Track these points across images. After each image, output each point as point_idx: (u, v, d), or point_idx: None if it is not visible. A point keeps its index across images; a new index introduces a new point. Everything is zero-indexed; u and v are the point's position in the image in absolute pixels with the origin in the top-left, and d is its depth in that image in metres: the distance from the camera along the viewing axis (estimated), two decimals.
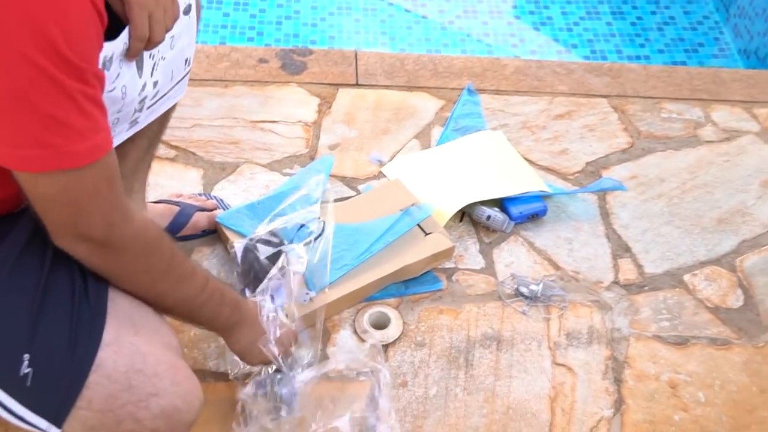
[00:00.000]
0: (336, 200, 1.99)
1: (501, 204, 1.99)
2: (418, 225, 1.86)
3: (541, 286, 1.82)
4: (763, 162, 2.25)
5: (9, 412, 1.21)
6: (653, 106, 2.40)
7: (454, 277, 1.86)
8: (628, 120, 2.34)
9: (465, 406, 1.62)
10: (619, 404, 1.64)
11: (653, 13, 3.86)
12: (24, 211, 1.27)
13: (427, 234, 1.85)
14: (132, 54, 1.26)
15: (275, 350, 1.47)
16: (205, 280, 1.34)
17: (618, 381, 1.68)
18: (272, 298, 1.57)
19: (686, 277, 1.92)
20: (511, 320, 1.78)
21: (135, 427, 1.25)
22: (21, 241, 1.24)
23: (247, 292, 1.67)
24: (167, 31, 1.29)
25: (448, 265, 1.88)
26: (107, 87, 1.25)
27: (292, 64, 2.44)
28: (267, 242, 1.74)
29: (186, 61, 1.52)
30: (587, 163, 2.19)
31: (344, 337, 1.72)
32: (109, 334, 1.22)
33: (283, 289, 1.61)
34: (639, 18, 3.81)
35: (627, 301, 1.85)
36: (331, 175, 2.06)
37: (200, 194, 1.96)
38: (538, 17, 3.76)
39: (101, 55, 1.17)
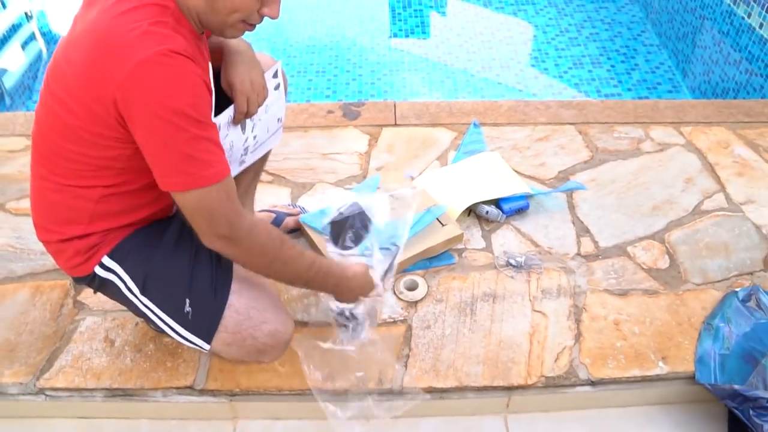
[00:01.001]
0: None
1: (496, 202, 2.06)
2: (437, 219, 1.93)
3: (524, 258, 1.89)
4: (686, 165, 2.27)
5: (178, 335, 1.46)
6: (608, 129, 2.44)
7: (463, 255, 1.93)
8: (589, 140, 2.39)
9: (470, 340, 1.70)
10: (578, 337, 1.71)
11: (623, 62, 3.90)
12: (176, 213, 1.47)
13: (443, 225, 1.93)
14: (236, 122, 1.45)
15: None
16: (312, 260, 1.42)
17: (578, 321, 1.75)
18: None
19: (629, 249, 1.96)
20: (503, 282, 1.85)
21: (254, 342, 1.49)
22: (177, 230, 1.45)
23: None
24: (260, 106, 1.47)
25: (459, 246, 1.95)
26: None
27: (350, 113, 2.52)
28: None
29: (278, 119, 1.66)
30: (559, 172, 2.24)
31: (387, 296, 1.81)
32: (234, 285, 1.45)
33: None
34: (612, 66, 3.87)
35: (585, 266, 1.90)
36: (378, 188, 2.16)
37: (289, 204, 2.08)
38: (538, 69, 3.83)
39: (217, 123, 1.35)
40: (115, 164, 1.29)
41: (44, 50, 3.92)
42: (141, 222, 1.45)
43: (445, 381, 1.62)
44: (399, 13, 4.35)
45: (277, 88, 1.59)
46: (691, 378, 1.63)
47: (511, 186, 2.09)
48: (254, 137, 1.58)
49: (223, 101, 1.45)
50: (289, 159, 2.32)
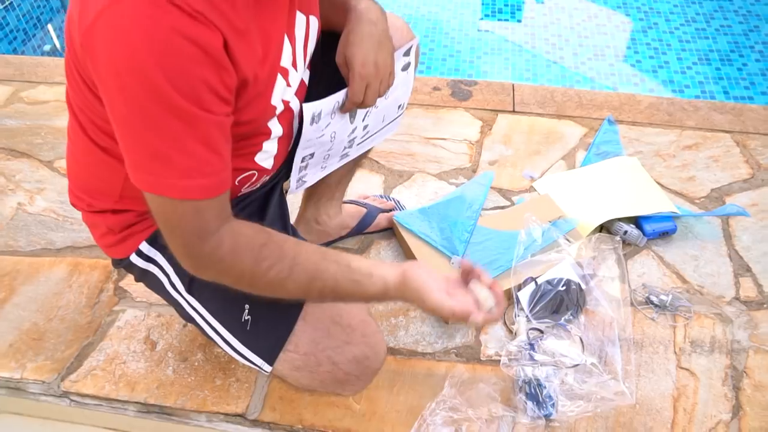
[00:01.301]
0: (493, 208, 1.79)
1: (636, 221, 1.74)
2: (565, 236, 1.61)
3: (670, 296, 1.54)
4: None
5: (233, 349, 1.19)
6: None
7: (592, 283, 1.57)
8: (749, 153, 2.00)
9: None
10: (737, 410, 1.37)
11: (758, 60, 3.48)
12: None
13: (570, 243, 1.60)
14: (345, 110, 1.12)
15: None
16: (312, 274, 1.02)
17: (736, 388, 1.41)
18: None
19: None
20: (641, 325, 1.52)
21: (332, 369, 1.17)
22: None
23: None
24: (381, 96, 1.14)
25: (589, 271, 1.60)
26: (315, 134, 1.11)
27: (460, 92, 2.23)
28: None
29: (400, 106, 1.34)
30: (712, 190, 1.88)
31: (496, 328, 1.51)
32: None
33: None
34: (744, 64, 3.45)
35: (747, 316, 1.55)
36: (491, 187, 1.86)
37: (381, 196, 1.80)
38: (656, 61, 3.47)
39: (311, 111, 1.03)
40: None
41: None
42: None
43: None
44: None
45: (406, 68, 1.27)
46: None
47: (654, 202, 1.76)
48: (365, 127, 1.27)
49: (330, 76, 1.13)
50: (386, 140, 2.00)
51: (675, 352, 1.47)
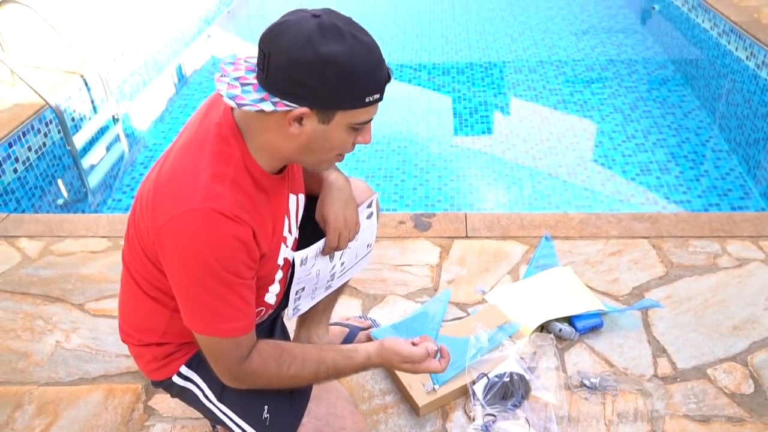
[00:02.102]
0: (453, 319, 2.09)
1: (569, 320, 2.03)
2: (510, 337, 1.93)
3: (599, 379, 1.85)
4: (767, 283, 2.22)
5: None
6: (682, 243, 2.41)
7: (535, 373, 1.87)
8: (663, 254, 2.36)
9: None
10: None
11: (691, 168, 3.84)
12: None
13: (514, 342, 1.93)
14: (324, 254, 1.50)
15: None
16: (318, 362, 1.34)
17: None
18: None
19: (709, 371, 1.89)
20: (577, 404, 1.81)
21: None
22: None
23: None
24: (350, 241, 1.52)
25: (532, 365, 1.90)
26: (305, 273, 1.48)
27: (421, 224, 2.55)
28: None
29: (368, 245, 1.70)
30: (633, 288, 2.21)
31: (458, 416, 1.79)
32: (314, 391, 1.46)
33: None
34: (681, 172, 3.80)
35: (663, 389, 1.84)
36: (450, 302, 2.16)
37: (360, 316, 2.10)
38: (604, 176, 3.79)
39: (300, 257, 1.40)
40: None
41: (126, 151, 4.15)
42: None
43: None
44: (465, 119, 4.44)
45: (369, 217, 1.64)
46: None
47: (584, 303, 2.07)
48: (342, 263, 1.62)
49: (312, 229, 1.51)
50: (362, 271, 2.28)
51: (605, 424, 1.75)
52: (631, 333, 2.04)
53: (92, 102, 4.04)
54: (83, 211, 3.55)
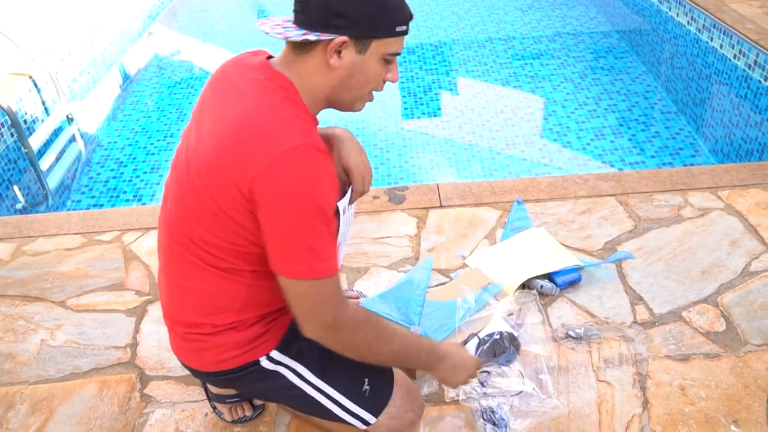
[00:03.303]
0: (436, 285, 2.15)
1: (549, 276, 2.11)
2: (495, 297, 2.01)
3: (583, 329, 1.94)
4: (729, 229, 2.34)
5: (346, 411, 1.51)
6: (647, 198, 2.52)
7: (522, 330, 1.95)
8: (631, 210, 2.46)
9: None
10: (645, 404, 1.73)
11: (643, 130, 4.00)
12: None
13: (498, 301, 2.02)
14: (352, 201, 1.55)
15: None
16: (404, 336, 1.47)
17: (643, 388, 1.78)
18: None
19: (684, 314, 2.00)
20: (565, 355, 1.89)
21: (411, 415, 1.59)
22: None
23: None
24: (370, 185, 1.58)
25: (517, 321, 1.98)
26: (345, 223, 1.54)
27: (395, 198, 2.60)
28: None
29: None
30: (605, 243, 2.30)
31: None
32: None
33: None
34: (633, 135, 3.96)
35: (644, 334, 1.94)
36: (432, 269, 2.22)
37: (347, 289, 2.15)
38: (560, 142, 3.92)
39: (340, 206, 1.44)
40: (256, 250, 1.32)
41: (83, 151, 4.09)
42: None
43: None
44: (420, 98, 4.51)
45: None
46: None
47: (561, 260, 2.16)
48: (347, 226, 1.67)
49: None
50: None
51: (593, 370, 1.84)
52: (608, 284, 2.14)
53: (44, 103, 3.97)
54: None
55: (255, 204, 1.22)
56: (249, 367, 1.46)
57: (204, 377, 1.56)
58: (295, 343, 1.46)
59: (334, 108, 1.39)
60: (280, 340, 1.46)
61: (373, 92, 1.38)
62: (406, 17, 1.29)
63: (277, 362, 1.46)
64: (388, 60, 1.30)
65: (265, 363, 1.46)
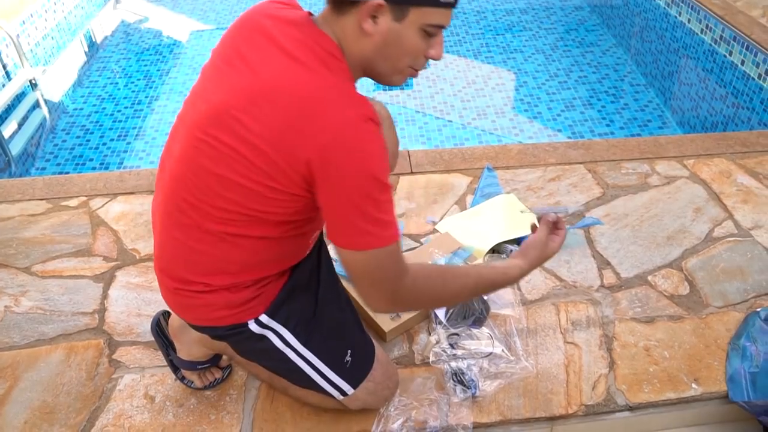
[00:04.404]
0: (407, 250, 2.12)
1: (518, 241, 2.12)
2: (464, 261, 2.02)
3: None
4: (693, 197, 2.38)
5: (326, 380, 1.52)
6: (615, 166, 2.55)
7: (491, 294, 1.92)
8: (599, 177, 2.49)
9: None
10: (611, 365, 1.77)
11: (612, 102, 4.05)
12: (308, 256, 1.51)
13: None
14: None
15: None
16: (476, 276, 1.39)
17: (609, 349, 1.82)
18: None
19: (649, 278, 2.05)
20: (533, 317, 1.92)
21: (387, 392, 1.64)
22: (324, 278, 1.55)
23: None
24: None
25: None
26: None
27: None
28: None
29: None
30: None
31: (423, 338, 1.86)
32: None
33: None
34: (603, 107, 4.00)
35: (611, 297, 1.98)
36: (403, 234, 2.23)
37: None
38: (531, 113, 3.95)
39: None
40: (274, 218, 1.28)
41: (47, 116, 4.01)
42: (286, 271, 1.47)
43: (489, 415, 1.67)
44: None
45: None
46: (725, 397, 1.70)
47: (530, 225, 2.15)
48: None
49: None
50: None
51: (561, 332, 1.87)
52: (576, 250, 2.17)
53: (4, 67, 3.87)
54: None
55: (312, 176, 1.18)
56: (237, 328, 1.44)
57: (192, 328, 1.53)
58: (284, 308, 1.45)
59: (371, 78, 1.31)
60: (270, 305, 1.44)
61: (415, 75, 1.31)
62: None
63: (265, 326, 1.44)
64: (429, 32, 1.20)
65: (252, 326, 1.43)
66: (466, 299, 1.51)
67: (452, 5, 1.21)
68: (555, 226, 1.51)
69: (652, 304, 1.96)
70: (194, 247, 1.35)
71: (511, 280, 1.45)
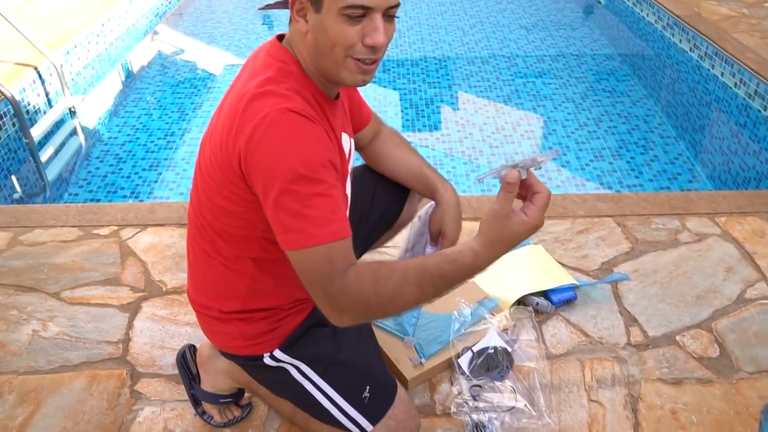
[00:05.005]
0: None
1: (545, 294, 2.11)
2: (490, 312, 2.00)
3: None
4: (725, 255, 2.34)
5: (345, 415, 1.49)
6: (645, 221, 2.53)
7: (516, 346, 1.95)
8: (628, 231, 2.47)
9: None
10: (636, 426, 1.73)
11: (642, 153, 3.98)
12: None
13: (494, 316, 2.00)
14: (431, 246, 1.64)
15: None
16: (420, 271, 1.15)
17: (634, 410, 1.77)
18: None
19: (678, 338, 2.00)
20: (558, 372, 1.89)
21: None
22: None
23: None
24: None
25: (512, 336, 1.97)
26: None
27: None
28: None
29: None
30: (602, 263, 2.31)
31: (445, 388, 1.85)
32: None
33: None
34: (632, 158, 3.93)
35: (637, 356, 1.94)
36: None
37: None
38: (559, 162, 3.89)
39: (403, 242, 1.51)
40: (255, 232, 1.31)
41: (83, 144, 4.08)
42: (303, 306, 1.49)
43: None
44: (422, 110, 4.51)
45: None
46: None
47: (557, 278, 2.16)
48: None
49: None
50: None
51: (585, 390, 1.84)
52: (604, 305, 2.14)
53: (47, 94, 3.96)
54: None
55: (243, 171, 1.21)
56: (253, 360, 1.48)
57: (220, 353, 1.59)
58: (300, 343, 1.47)
59: (330, 82, 1.30)
60: (284, 340, 1.46)
61: (368, 68, 1.24)
62: None
63: (280, 360, 1.47)
64: (351, 15, 1.17)
65: (267, 360, 1.47)
66: (420, 298, 1.17)
67: None
68: (529, 190, 1.16)
69: (680, 366, 1.92)
70: (203, 271, 1.45)
71: (465, 267, 1.15)
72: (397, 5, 1.22)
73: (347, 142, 1.46)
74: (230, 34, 5.86)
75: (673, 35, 4.94)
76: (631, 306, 2.14)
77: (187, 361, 1.80)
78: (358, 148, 1.70)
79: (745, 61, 3.90)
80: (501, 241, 1.14)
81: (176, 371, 1.86)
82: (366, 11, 1.17)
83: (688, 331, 2.04)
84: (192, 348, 1.83)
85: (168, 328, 2.08)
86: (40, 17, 4.96)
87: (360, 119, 1.64)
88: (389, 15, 1.22)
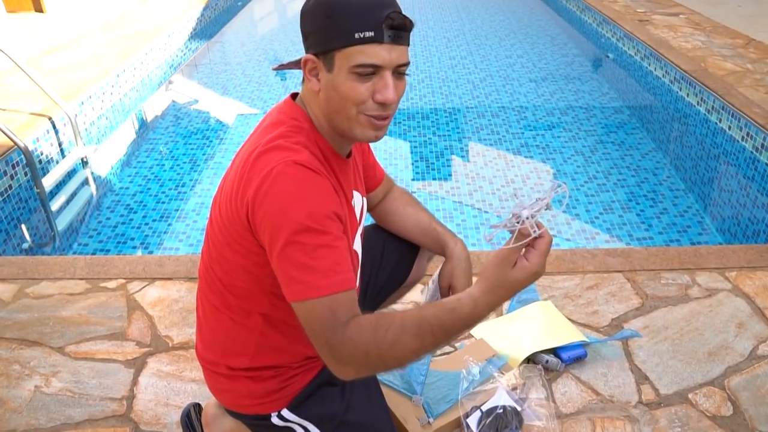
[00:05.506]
0: (440, 355, 2.10)
1: (554, 351, 2.08)
2: (499, 370, 1.96)
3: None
4: (736, 311, 2.31)
5: None
6: (655, 276, 2.50)
7: (525, 405, 1.90)
8: (638, 287, 2.44)
9: None
10: None
11: (651, 206, 3.98)
12: None
13: (503, 374, 1.97)
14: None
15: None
16: (419, 322, 1.14)
17: None
18: None
19: (690, 396, 1.96)
20: (568, 431, 1.86)
21: None
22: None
23: None
24: None
25: (522, 396, 1.93)
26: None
27: None
28: None
29: None
30: (612, 319, 2.28)
31: None
32: None
33: None
34: (642, 211, 3.93)
35: (649, 414, 1.90)
36: None
37: None
38: (569, 214, 3.90)
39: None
40: (263, 287, 1.31)
41: (94, 194, 4.11)
42: (312, 365, 1.47)
43: None
44: (432, 163, 4.53)
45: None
46: None
47: (567, 335, 2.13)
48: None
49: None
50: None
51: None
52: (614, 362, 2.10)
53: (60, 144, 4.01)
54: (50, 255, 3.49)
55: (251, 223, 1.22)
56: (261, 419, 1.45)
57: (226, 411, 1.56)
58: (309, 403, 1.45)
59: (344, 137, 1.32)
60: (292, 399, 1.44)
61: (380, 124, 1.26)
62: (373, 21, 1.17)
63: (288, 420, 1.45)
64: (361, 74, 1.20)
65: (275, 420, 1.45)
66: (420, 349, 1.14)
67: (373, 40, 1.18)
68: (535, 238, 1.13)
69: (693, 425, 1.87)
70: (212, 327, 1.44)
71: (464, 316, 1.14)
72: (407, 64, 1.25)
73: (359, 200, 1.47)
74: (243, 86, 5.96)
75: (680, 89, 4.97)
76: (642, 363, 2.10)
77: (191, 420, 1.78)
78: (369, 207, 1.70)
79: (752, 115, 3.91)
80: (502, 286, 1.14)
81: (180, 430, 1.83)
82: (376, 69, 1.21)
83: (701, 388, 2.00)
84: (197, 407, 1.81)
85: (173, 385, 2.06)
86: (56, 68, 5.07)
87: (373, 179, 1.67)
88: (400, 72, 1.25)
